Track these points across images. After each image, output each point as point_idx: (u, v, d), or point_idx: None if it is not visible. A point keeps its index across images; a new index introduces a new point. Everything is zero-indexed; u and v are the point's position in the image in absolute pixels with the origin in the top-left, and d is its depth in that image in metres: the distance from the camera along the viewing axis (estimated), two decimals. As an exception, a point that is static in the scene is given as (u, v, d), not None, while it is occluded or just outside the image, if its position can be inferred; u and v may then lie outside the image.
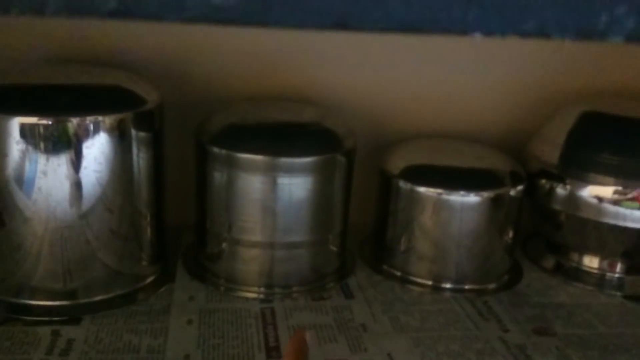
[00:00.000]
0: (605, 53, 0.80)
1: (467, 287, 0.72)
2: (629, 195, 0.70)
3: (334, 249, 0.71)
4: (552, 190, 0.73)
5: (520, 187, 0.71)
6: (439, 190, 0.69)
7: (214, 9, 0.21)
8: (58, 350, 0.54)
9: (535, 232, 0.83)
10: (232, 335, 0.58)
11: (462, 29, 0.21)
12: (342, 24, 0.20)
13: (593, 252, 0.76)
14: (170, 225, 0.72)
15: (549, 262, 0.79)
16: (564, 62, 0.80)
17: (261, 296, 0.66)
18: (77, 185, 0.59)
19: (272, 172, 0.64)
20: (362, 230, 0.78)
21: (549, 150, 0.74)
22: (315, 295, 0.67)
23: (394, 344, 0.59)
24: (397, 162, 0.73)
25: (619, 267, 0.76)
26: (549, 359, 0.58)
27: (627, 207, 0.70)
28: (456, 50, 0.79)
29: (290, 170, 0.64)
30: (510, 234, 0.73)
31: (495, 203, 0.70)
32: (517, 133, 0.81)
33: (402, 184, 0.71)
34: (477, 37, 0.22)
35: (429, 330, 0.62)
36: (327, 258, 0.71)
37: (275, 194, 0.64)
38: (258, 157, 0.63)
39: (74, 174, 0.59)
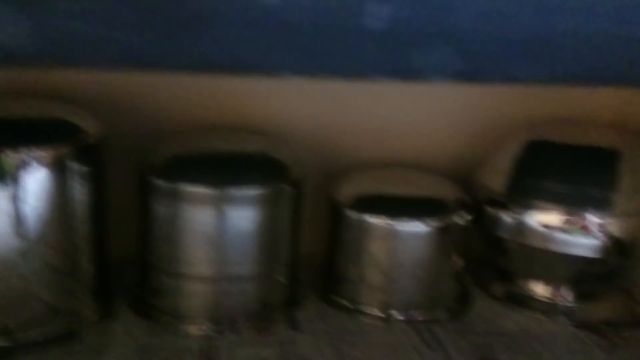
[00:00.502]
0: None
1: (416, 316, 0.71)
2: (576, 223, 0.71)
3: (283, 280, 0.70)
4: (499, 218, 0.74)
5: (468, 216, 0.72)
6: (388, 220, 0.69)
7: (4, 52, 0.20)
8: (-16, 394, 0.52)
9: (485, 260, 0.84)
10: (171, 374, 0.57)
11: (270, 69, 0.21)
12: (148, 64, 0.20)
13: (541, 279, 0.76)
14: (114, 259, 0.70)
15: (499, 289, 0.79)
16: (508, 91, 0.82)
17: (205, 332, 0.65)
18: (14, 220, 0.57)
19: (217, 204, 0.63)
20: (316, 260, 0.77)
21: (496, 179, 0.75)
22: (260, 329, 0.66)
23: (338, 379, 0.58)
24: (347, 192, 0.73)
25: (567, 294, 0.76)
26: (494, 390, 0.58)
27: (573, 235, 0.71)
28: (404, 87, 0.80)
29: (237, 202, 0.63)
30: (459, 262, 0.73)
31: (444, 232, 0.71)
32: (465, 161, 0.82)
33: (352, 214, 0.71)
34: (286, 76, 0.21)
35: (373, 362, 0.61)
36: (274, 290, 0.70)
37: (221, 226, 0.63)
38: (202, 189, 0.62)
39: (12, 208, 0.57)
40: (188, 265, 0.64)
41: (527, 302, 0.76)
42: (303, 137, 0.77)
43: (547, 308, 0.76)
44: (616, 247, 0.69)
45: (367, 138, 0.80)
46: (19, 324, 0.60)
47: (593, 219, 0.69)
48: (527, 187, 0.73)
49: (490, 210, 0.75)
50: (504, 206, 0.74)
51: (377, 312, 0.71)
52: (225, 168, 0.65)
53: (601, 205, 0.69)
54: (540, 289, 0.77)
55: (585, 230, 0.70)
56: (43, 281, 0.60)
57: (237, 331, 0.65)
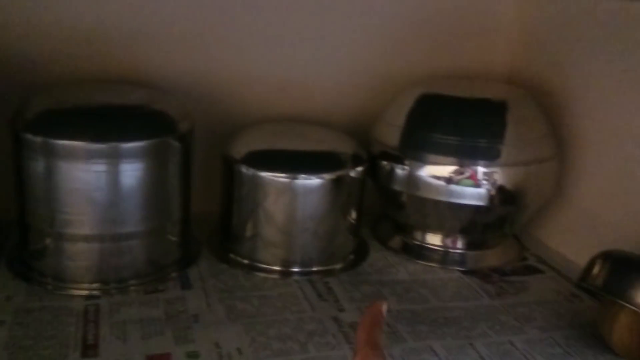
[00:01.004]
0: (438, 37, 0.84)
1: (313, 269, 0.72)
2: (465, 174, 0.72)
3: (174, 238, 0.69)
4: (392, 171, 0.75)
5: (360, 169, 0.72)
6: (281, 175, 0.68)
7: None
8: None
9: (383, 215, 0.85)
10: (47, 335, 0.54)
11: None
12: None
13: (434, 230, 0.78)
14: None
15: (396, 241, 0.81)
16: (401, 47, 0.82)
17: (90, 292, 0.62)
18: None
19: (95, 159, 0.60)
20: (213, 218, 0.76)
21: (390, 133, 0.76)
22: (150, 288, 0.64)
23: (225, 333, 0.57)
24: (240, 148, 0.71)
25: (459, 243, 0.79)
26: (379, 335, 0.59)
27: (463, 185, 0.72)
28: (300, 33, 0.79)
29: (116, 157, 0.60)
30: (354, 214, 0.74)
31: (337, 185, 0.71)
32: (365, 117, 0.82)
33: (245, 170, 0.69)
34: None
35: (264, 315, 0.61)
36: (165, 248, 0.68)
37: (101, 182, 0.60)
38: (78, 144, 0.59)
39: None
40: (69, 225, 0.61)
41: (422, 252, 0.78)
42: (193, 90, 0.74)
43: (441, 257, 0.78)
44: (502, 196, 0.72)
45: (264, 92, 0.78)
46: None
47: (481, 169, 0.71)
48: (418, 141, 0.74)
49: (384, 164, 0.75)
50: (397, 160, 0.74)
51: (273, 268, 0.71)
52: (104, 122, 0.61)
53: (489, 155, 0.71)
54: (434, 239, 0.79)
55: (473, 180, 0.72)
56: None
57: (124, 291, 0.63)
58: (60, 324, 0.56)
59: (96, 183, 0.60)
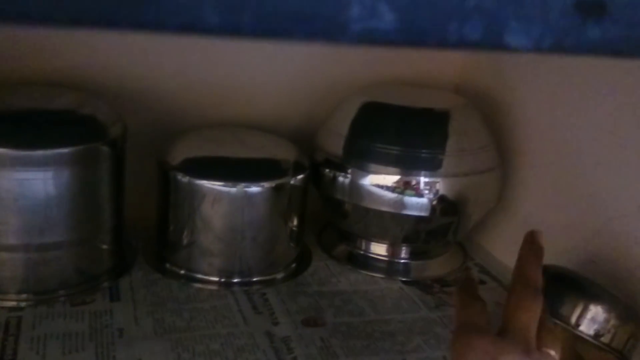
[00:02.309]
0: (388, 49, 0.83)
1: (253, 279, 0.70)
2: (407, 184, 0.72)
3: (105, 247, 0.66)
4: (335, 179, 0.74)
5: (301, 177, 0.71)
6: (219, 183, 0.67)
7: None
8: None
9: (328, 223, 0.84)
10: (-41, 352, 0.52)
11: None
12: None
13: (378, 239, 0.77)
14: None
15: (341, 250, 0.80)
16: (347, 52, 0.81)
17: (14, 304, 0.60)
18: None
19: (19, 167, 0.57)
20: (150, 226, 0.73)
21: (333, 141, 0.75)
22: (77, 300, 0.62)
23: (149, 348, 0.55)
24: (176, 154, 0.69)
25: (403, 253, 0.78)
26: (311, 350, 0.58)
27: (405, 195, 0.72)
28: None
29: (42, 164, 0.58)
30: (296, 222, 0.73)
31: (277, 193, 0.69)
32: (308, 123, 0.80)
33: (181, 177, 0.67)
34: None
35: (193, 329, 0.59)
36: (95, 258, 0.66)
37: (25, 191, 0.58)
38: (1, 150, 0.56)
39: None
40: (-10, 234, 0.58)
41: (366, 262, 0.78)
42: (125, 93, 0.72)
43: (385, 267, 0.77)
44: (444, 206, 0.71)
45: (203, 95, 0.76)
46: None
47: (423, 180, 0.71)
48: (361, 150, 0.72)
49: (327, 172, 0.74)
50: (340, 168, 0.73)
51: (211, 278, 0.69)
52: (28, 128, 0.59)
53: (430, 166, 0.71)
54: (378, 249, 0.78)
55: (416, 190, 0.71)
56: None
57: (50, 303, 0.61)
58: (-26, 340, 0.53)
59: (20, 191, 0.58)
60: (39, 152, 0.58)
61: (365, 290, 0.71)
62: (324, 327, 0.62)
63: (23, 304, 0.60)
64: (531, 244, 0.46)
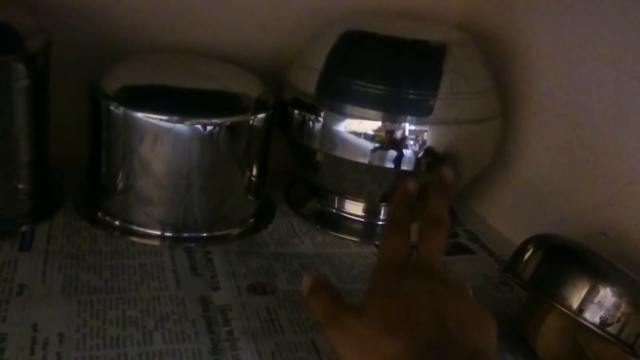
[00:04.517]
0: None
1: (200, 235, 0.59)
2: (391, 132, 0.60)
3: (22, 186, 0.55)
4: (305, 123, 0.62)
5: (263, 115, 0.59)
6: (161, 116, 0.55)
7: None
8: None
9: (298, 176, 0.72)
10: None
11: None
12: None
13: (353, 197, 0.66)
14: None
15: (310, 208, 0.68)
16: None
17: None
18: None
19: None
20: (81, 166, 0.62)
21: (305, 76, 0.62)
22: (-20, 247, 0.51)
23: (51, 311, 0.44)
24: (112, 81, 0.57)
25: (381, 214, 0.67)
26: (253, 322, 0.47)
27: (387, 145, 0.60)
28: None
29: None
30: (255, 171, 0.61)
31: (232, 133, 0.57)
32: (278, 56, 0.68)
33: (115, 108, 0.56)
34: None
35: (111, 291, 0.48)
36: (9, 197, 0.55)
37: None
38: None
39: None
40: None
41: (338, 222, 0.66)
42: (56, 3, 0.60)
43: (359, 229, 0.66)
44: (432, 159, 0.60)
45: (154, 12, 0.64)
46: None
47: (409, 127, 0.59)
48: (338, 88, 0.60)
49: (296, 113, 0.63)
50: (311, 109, 0.61)
51: (149, 231, 0.58)
52: None
53: (419, 110, 0.59)
54: (353, 208, 0.67)
55: (400, 139, 0.60)
56: None
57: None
58: None
59: None
60: None
61: (331, 253, 0.60)
62: (273, 295, 0.51)
63: None
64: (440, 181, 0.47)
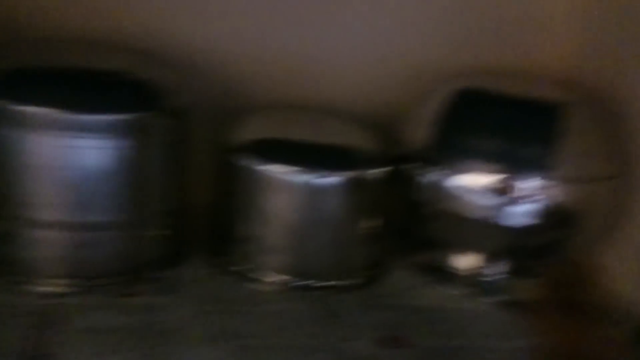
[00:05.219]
0: (482, 25, 0.71)
1: (320, 284, 0.61)
2: (508, 187, 0.60)
3: (154, 233, 0.58)
4: (419, 178, 0.63)
5: (383, 170, 0.61)
6: (286, 169, 0.57)
7: None
8: None
9: (408, 229, 0.73)
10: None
11: None
12: None
13: (465, 251, 0.66)
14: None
15: (419, 260, 0.69)
16: (443, 39, 0.71)
17: (50, 289, 0.52)
18: None
19: (63, 131, 0.49)
20: (207, 215, 0.65)
21: (419, 132, 0.64)
22: (122, 291, 0.54)
23: (198, 356, 0.46)
24: (241, 135, 0.60)
25: (495, 269, 0.67)
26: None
27: (505, 200, 0.60)
28: (324, 10, 0.67)
29: (90, 130, 0.50)
30: (374, 223, 0.63)
31: (355, 187, 0.59)
32: (391, 111, 0.70)
33: (244, 161, 0.58)
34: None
35: (252, 337, 0.50)
36: (143, 244, 0.57)
37: (69, 159, 0.50)
38: (44, 111, 0.49)
39: None
40: (26, 208, 0.51)
41: (448, 276, 0.66)
42: (194, 61, 0.63)
43: (471, 284, 0.66)
44: (554, 216, 0.60)
45: (276, 73, 0.67)
46: None
47: (529, 183, 0.60)
48: (454, 143, 0.62)
49: (409, 168, 0.64)
50: (425, 164, 0.63)
51: (271, 278, 0.60)
52: (78, 88, 0.51)
53: (540, 167, 0.59)
54: (463, 262, 0.67)
55: (518, 195, 0.60)
56: None
57: (94, 291, 0.53)
58: (7, 326, 0.46)
59: (66, 160, 0.50)
60: (90, 117, 0.50)
61: (451, 308, 0.60)
62: (409, 348, 0.51)
63: (61, 290, 0.52)
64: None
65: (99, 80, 0.53)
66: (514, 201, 0.60)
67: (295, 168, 0.57)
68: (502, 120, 0.62)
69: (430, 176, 0.63)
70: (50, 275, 0.53)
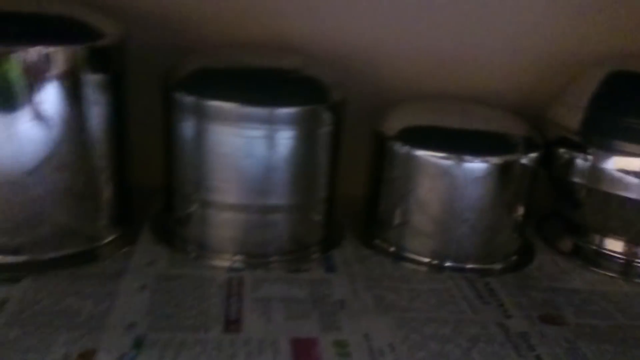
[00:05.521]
0: (633, 13, 0.70)
1: (468, 266, 0.63)
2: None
3: (318, 217, 0.63)
4: (571, 160, 0.64)
5: (534, 155, 0.62)
6: (440, 155, 0.60)
7: None
8: (-15, 310, 0.48)
9: (553, 212, 0.74)
10: (189, 305, 0.51)
11: None
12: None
13: (617, 233, 0.66)
14: (143, 186, 0.65)
15: (566, 244, 0.70)
16: (590, 22, 0.71)
17: (233, 264, 0.59)
18: (22, 136, 0.52)
19: (246, 123, 0.56)
20: (356, 202, 0.70)
21: (571, 115, 0.65)
22: (293, 267, 0.59)
23: (374, 324, 0.51)
24: (394, 123, 0.64)
25: (645, 252, 0.66)
26: (556, 350, 0.49)
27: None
28: (470, 3, 0.70)
29: (268, 122, 0.56)
30: (522, 209, 0.64)
31: (505, 172, 0.61)
32: (537, 96, 0.71)
33: (398, 147, 0.62)
34: None
35: (417, 310, 0.53)
36: (309, 226, 0.63)
37: (250, 149, 0.56)
38: (230, 105, 0.55)
39: (19, 121, 0.51)
40: (213, 192, 0.58)
41: (598, 259, 0.67)
42: (349, 61, 0.68)
43: (622, 267, 0.66)
44: None
45: (423, 65, 0.70)
46: (34, 243, 0.55)
47: (687, 164, 0.59)
48: (605, 125, 0.62)
49: (561, 151, 0.65)
50: (577, 147, 0.63)
51: (423, 259, 0.63)
52: (257, 85, 0.57)
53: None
54: (614, 245, 0.67)
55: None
56: (57, 202, 0.55)
57: (266, 266, 0.59)
58: (203, 295, 0.53)
59: (244, 149, 0.56)
60: (267, 109, 0.56)
61: (605, 291, 0.60)
62: (565, 326, 0.53)
63: (239, 265, 0.59)
64: None
65: (273, 78, 0.59)
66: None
67: (448, 154, 0.60)
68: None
69: (583, 159, 0.63)
70: (231, 252, 0.60)
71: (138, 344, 0.46)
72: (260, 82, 0.58)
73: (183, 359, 0.45)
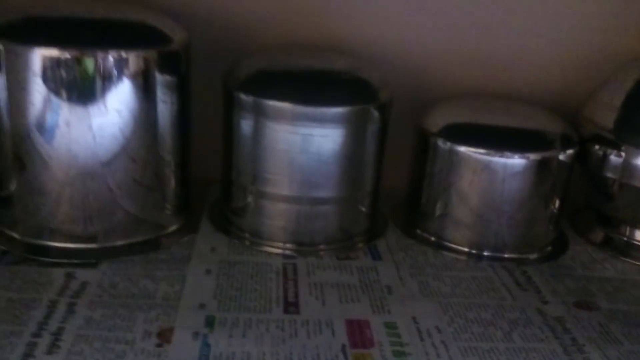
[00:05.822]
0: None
1: (505, 255, 0.67)
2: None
3: (364, 208, 0.68)
4: (605, 156, 0.67)
5: (570, 151, 0.66)
6: (481, 150, 0.64)
7: None
8: (70, 292, 0.53)
9: (585, 205, 0.77)
10: (251, 288, 0.56)
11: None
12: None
13: (647, 226, 0.70)
14: (199, 178, 0.70)
15: (598, 235, 0.73)
16: (625, 21, 0.73)
17: (285, 252, 0.64)
18: (99, 131, 0.57)
19: (300, 121, 0.60)
20: (397, 194, 0.74)
21: (605, 114, 0.68)
22: (341, 255, 0.64)
23: (420, 308, 0.55)
24: (437, 120, 0.68)
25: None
26: (590, 333, 0.53)
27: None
28: (508, 3, 0.73)
29: (320, 120, 0.60)
30: (557, 203, 0.68)
31: (543, 167, 0.65)
32: (572, 95, 0.74)
33: (441, 143, 0.66)
34: None
35: (460, 296, 0.58)
36: (355, 217, 0.67)
37: (303, 145, 0.61)
38: (286, 105, 0.60)
39: (96, 117, 0.56)
40: (269, 184, 0.63)
41: (628, 250, 0.70)
42: (394, 61, 0.72)
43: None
44: None
45: (464, 65, 0.74)
46: (106, 231, 0.61)
47: None
48: (637, 124, 0.65)
49: (596, 147, 0.68)
50: (611, 144, 0.67)
51: (462, 249, 0.67)
52: (309, 85, 0.62)
53: None
54: (644, 236, 0.70)
55: None
56: (127, 193, 0.60)
57: (317, 254, 0.63)
58: (262, 279, 0.58)
59: (298, 145, 0.61)
60: (319, 109, 0.60)
61: (635, 279, 0.64)
62: (598, 311, 0.57)
63: (291, 253, 0.64)
64: None
65: (325, 79, 0.63)
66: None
67: (488, 150, 0.64)
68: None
69: (617, 155, 0.67)
70: (283, 240, 0.65)
71: (210, 323, 0.51)
72: (313, 83, 0.62)
73: (250, 336, 0.50)
